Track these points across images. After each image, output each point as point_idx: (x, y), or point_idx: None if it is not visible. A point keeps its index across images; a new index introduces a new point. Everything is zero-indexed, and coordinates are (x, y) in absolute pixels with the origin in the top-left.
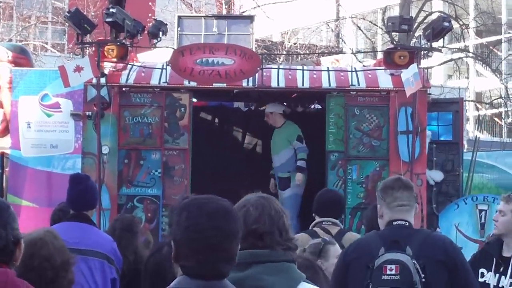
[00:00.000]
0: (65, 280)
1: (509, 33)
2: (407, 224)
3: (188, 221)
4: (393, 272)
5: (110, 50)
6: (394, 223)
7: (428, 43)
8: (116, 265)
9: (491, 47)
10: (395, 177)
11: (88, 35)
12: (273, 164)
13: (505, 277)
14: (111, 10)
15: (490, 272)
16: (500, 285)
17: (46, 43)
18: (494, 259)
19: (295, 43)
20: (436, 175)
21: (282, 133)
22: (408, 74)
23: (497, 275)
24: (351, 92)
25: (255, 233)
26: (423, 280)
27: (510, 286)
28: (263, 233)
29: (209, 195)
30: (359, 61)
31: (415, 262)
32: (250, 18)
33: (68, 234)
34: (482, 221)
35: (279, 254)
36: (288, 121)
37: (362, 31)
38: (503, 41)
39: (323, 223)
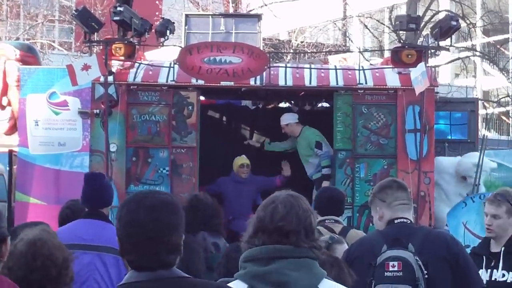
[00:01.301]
0: (67, 278)
1: None
2: (409, 221)
3: (127, 216)
4: (396, 268)
5: (117, 49)
6: (396, 221)
7: (436, 42)
8: None
9: (498, 46)
10: (389, 179)
11: (95, 33)
12: (307, 173)
13: (497, 270)
14: (118, 8)
15: (481, 270)
16: (493, 278)
17: (54, 42)
18: (484, 257)
19: (302, 42)
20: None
21: (302, 142)
22: (416, 73)
23: (489, 270)
24: (359, 91)
25: (281, 231)
26: (426, 276)
27: (502, 277)
28: (289, 231)
29: (151, 190)
30: (367, 60)
31: (418, 258)
32: (258, 17)
33: (83, 231)
34: None
35: (303, 251)
36: (305, 127)
37: (369, 29)
38: (510, 39)
39: (326, 221)
